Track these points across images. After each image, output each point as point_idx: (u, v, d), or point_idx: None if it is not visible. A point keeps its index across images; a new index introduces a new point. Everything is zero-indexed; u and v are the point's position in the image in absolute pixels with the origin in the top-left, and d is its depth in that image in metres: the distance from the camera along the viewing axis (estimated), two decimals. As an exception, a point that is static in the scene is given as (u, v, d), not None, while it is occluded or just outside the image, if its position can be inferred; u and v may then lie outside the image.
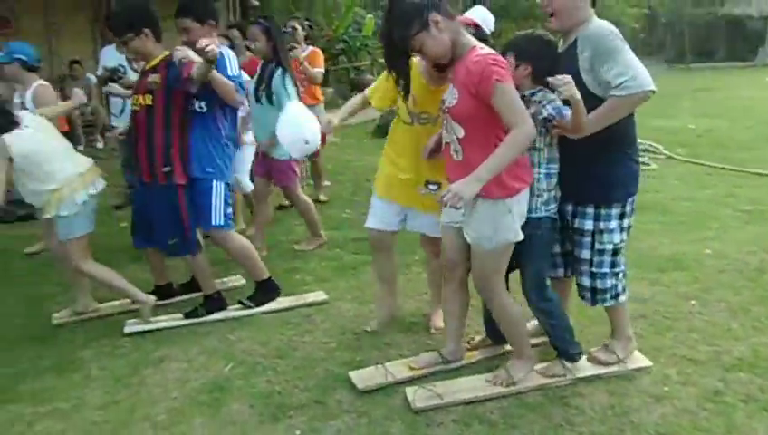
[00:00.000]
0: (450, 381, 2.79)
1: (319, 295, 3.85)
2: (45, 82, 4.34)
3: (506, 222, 2.49)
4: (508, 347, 2.98)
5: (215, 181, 3.46)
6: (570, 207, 2.72)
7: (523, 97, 2.47)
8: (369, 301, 3.72)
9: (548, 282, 2.77)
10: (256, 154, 4.68)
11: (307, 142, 3.17)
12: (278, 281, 3.87)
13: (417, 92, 2.90)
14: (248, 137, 4.75)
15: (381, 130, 9.76)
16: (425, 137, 2.95)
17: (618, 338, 2.93)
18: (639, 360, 2.94)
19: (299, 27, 5.78)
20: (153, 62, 3.42)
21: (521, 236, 2.54)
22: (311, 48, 5.86)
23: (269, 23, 4.40)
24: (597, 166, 2.61)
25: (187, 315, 3.58)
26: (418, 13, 2.39)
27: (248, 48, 5.08)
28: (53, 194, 3.33)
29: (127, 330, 3.48)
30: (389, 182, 3.15)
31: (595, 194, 2.66)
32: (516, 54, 2.58)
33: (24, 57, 4.23)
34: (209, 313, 3.60)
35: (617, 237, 2.71)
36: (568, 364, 2.80)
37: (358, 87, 15.40)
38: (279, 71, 4.29)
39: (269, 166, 4.53)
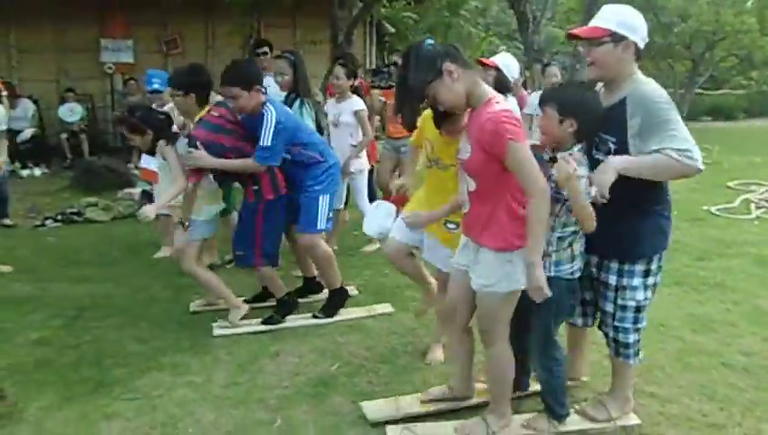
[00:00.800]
0: (432, 424, 2.82)
1: (386, 308, 4.17)
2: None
3: (507, 271, 2.46)
4: (530, 390, 3.01)
5: (320, 196, 3.86)
6: (595, 259, 2.70)
7: (552, 159, 2.47)
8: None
9: (557, 339, 2.72)
10: None
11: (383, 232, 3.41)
12: (392, 296, 4.27)
13: (432, 139, 2.99)
14: None
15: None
16: (445, 180, 2.96)
17: (615, 396, 2.84)
18: (631, 418, 2.85)
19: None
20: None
21: (522, 285, 2.49)
22: None
23: (295, 56, 4.66)
24: (622, 221, 2.52)
25: (264, 322, 3.91)
26: (433, 61, 2.37)
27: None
28: (201, 200, 3.82)
29: (216, 333, 3.81)
30: (416, 206, 3.20)
31: (618, 249, 2.60)
32: (560, 108, 2.44)
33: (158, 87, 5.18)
34: (284, 316, 3.95)
35: (640, 295, 2.63)
36: (553, 420, 2.77)
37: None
38: (298, 102, 4.56)
39: None
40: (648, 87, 2.49)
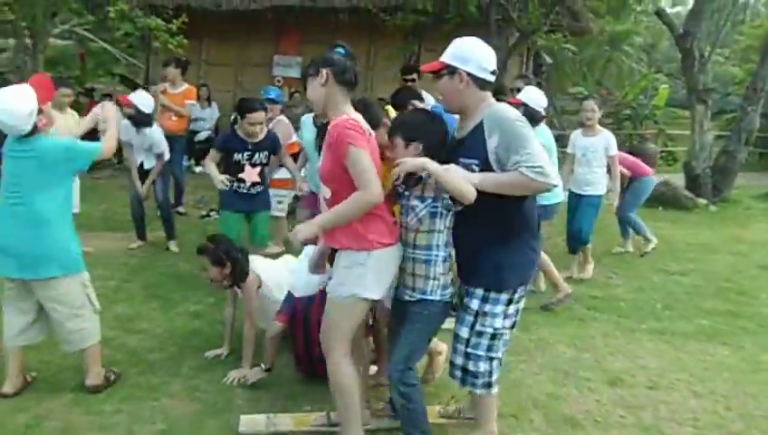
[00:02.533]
0: None
1: None
2: (284, 119, 5.88)
3: (357, 275, 2.48)
4: None
5: None
6: (462, 285, 2.68)
7: (420, 178, 2.53)
8: (587, 349, 4.01)
9: (415, 365, 2.65)
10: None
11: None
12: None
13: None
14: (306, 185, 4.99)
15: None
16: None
17: (480, 431, 2.78)
18: None
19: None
20: None
21: (374, 296, 2.54)
22: None
23: None
24: (491, 250, 2.54)
25: None
26: (319, 62, 2.53)
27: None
28: None
29: None
30: None
31: (486, 278, 2.57)
32: (404, 135, 2.57)
33: (274, 96, 5.99)
34: None
35: (498, 322, 2.59)
36: None
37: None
38: None
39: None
40: (502, 108, 2.54)
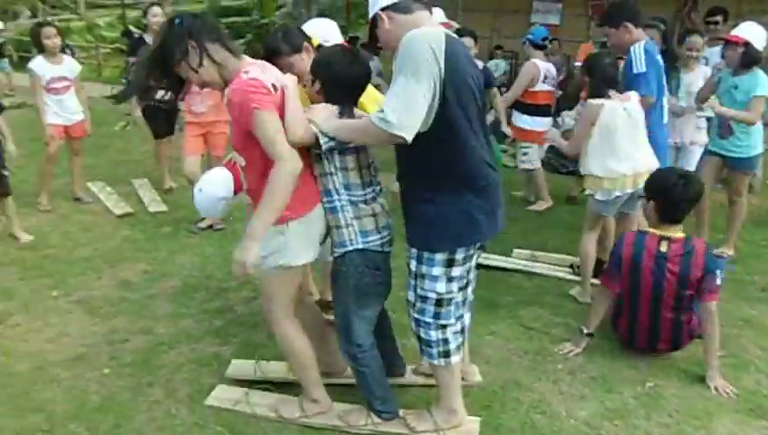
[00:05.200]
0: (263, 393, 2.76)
1: None
2: (536, 61, 5.38)
3: (277, 244, 2.30)
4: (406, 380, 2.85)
5: None
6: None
7: None
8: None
9: (359, 324, 2.42)
10: None
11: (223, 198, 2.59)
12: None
13: None
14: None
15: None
16: None
17: (440, 406, 2.52)
18: (466, 433, 2.51)
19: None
20: None
21: (303, 261, 2.37)
22: None
23: (665, 25, 4.54)
24: (420, 205, 2.26)
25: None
26: (180, 40, 2.19)
27: None
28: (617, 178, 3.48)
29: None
30: None
31: (416, 236, 2.30)
32: (311, 70, 2.42)
33: (531, 36, 5.45)
34: None
35: (441, 286, 2.29)
36: (374, 416, 2.52)
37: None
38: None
39: None
40: (409, 33, 2.10)
